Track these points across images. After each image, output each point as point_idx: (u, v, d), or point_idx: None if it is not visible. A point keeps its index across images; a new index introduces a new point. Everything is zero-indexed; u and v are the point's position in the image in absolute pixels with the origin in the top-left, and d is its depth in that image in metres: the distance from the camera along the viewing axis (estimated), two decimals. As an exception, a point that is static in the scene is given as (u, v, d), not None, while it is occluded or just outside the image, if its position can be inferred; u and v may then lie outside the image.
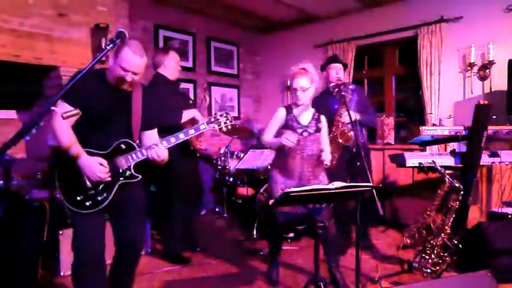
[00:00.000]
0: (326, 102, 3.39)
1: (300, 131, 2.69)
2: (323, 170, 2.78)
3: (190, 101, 3.66)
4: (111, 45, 1.59)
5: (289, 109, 2.77)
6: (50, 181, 2.05)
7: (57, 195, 2.00)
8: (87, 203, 1.99)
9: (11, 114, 3.83)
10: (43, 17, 3.39)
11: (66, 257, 2.98)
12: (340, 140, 3.19)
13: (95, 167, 1.95)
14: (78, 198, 1.98)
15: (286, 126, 2.71)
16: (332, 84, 3.37)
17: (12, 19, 3.21)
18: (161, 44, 5.05)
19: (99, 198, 2.00)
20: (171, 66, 3.21)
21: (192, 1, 5.04)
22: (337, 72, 3.41)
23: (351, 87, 3.41)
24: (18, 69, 3.43)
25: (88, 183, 1.98)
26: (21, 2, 3.26)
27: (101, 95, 2.01)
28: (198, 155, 3.47)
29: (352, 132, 3.11)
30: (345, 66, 3.59)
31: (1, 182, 2.77)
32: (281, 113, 2.75)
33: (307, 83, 2.67)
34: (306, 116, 2.76)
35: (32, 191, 3.16)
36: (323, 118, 2.81)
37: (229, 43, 6.01)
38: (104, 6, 3.79)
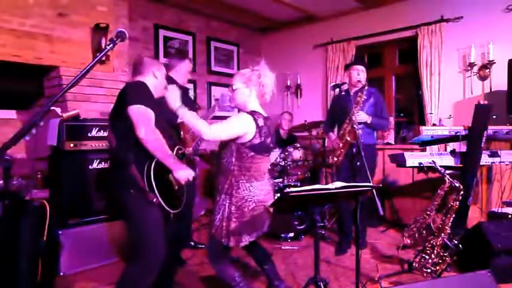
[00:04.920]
0: (344, 102, 3.47)
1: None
2: (228, 184, 2.18)
3: (197, 106, 3.88)
4: (111, 45, 1.60)
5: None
6: (142, 186, 2.08)
7: (154, 200, 2.07)
8: (177, 202, 2.22)
9: (11, 114, 3.83)
10: (43, 17, 3.38)
11: (66, 257, 2.99)
12: (348, 138, 3.31)
13: (187, 171, 2.14)
14: (173, 200, 2.17)
15: None
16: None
17: (12, 19, 3.21)
18: (161, 44, 5.05)
19: (182, 197, 2.26)
20: (181, 73, 3.42)
21: (192, 1, 5.04)
22: (358, 73, 3.49)
23: (366, 88, 3.43)
24: (18, 69, 3.43)
25: (176, 186, 2.19)
26: (21, 2, 3.26)
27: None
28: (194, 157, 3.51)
29: (360, 131, 3.20)
30: (367, 67, 3.65)
31: (1, 182, 2.76)
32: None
33: (237, 83, 2.23)
34: None
35: (32, 191, 3.16)
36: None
37: (229, 43, 6.01)
38: (104, 6, 3.79)
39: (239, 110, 2.25)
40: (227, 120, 2.15)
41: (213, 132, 2.09)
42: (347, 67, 3.69)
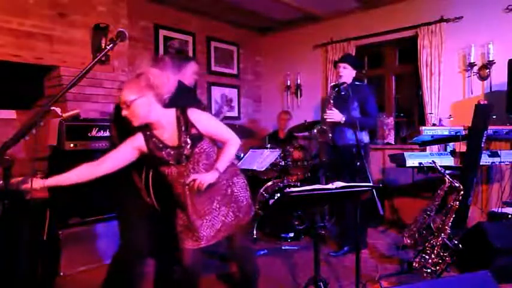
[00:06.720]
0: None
1: (172, 161, 1.96)
2: (232, 199, 2.11)
3: (203, 106, 3.88)
4: (111, 45, 1.61)
5: (147, 132, 1.97)
6: (138, 185, 2.17)
7: (147, 199, 2.17)
8: (168, 202, 2.18)
9: (11, 114, 3.83)
10: (43, 17, 3.38)
11: (66, 257, 2.99)
12: (319, 139, 3.37)
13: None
14: (164, 199, 2.18)
15: (152, 158, 1.98)
16: (331, 84, 3.43)
17: (12, 19, 3.21)
18: (161, 44, 5.05)
19: (173, 197, 2.22)
20: (188, 74, 3.38)
21: (192, 1, 5.04)
22: (339, 71, 3.50)
23: (347, 84, 3.40)
24: (18, 69, 3.43)
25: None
26: (21, 2, 3.26)
27: None
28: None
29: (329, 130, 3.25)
30: (354, 65, 3.58)
31: (1, 182, 2.75)
32: (137, 140, 1.96)
33: (129, 95, 1.87)
34: (169, 130, 1.97)
35: (32, 191, 3.16)
36: (191, 113, 2.00)
37: (229, 43, 6.01)
38: (103, 6, 3.79)
39: (144, 126, 1.95)
40: (212, 122, 2.12)
41: (235, 136, 2.10)
42: (335, 66, 3.74)
